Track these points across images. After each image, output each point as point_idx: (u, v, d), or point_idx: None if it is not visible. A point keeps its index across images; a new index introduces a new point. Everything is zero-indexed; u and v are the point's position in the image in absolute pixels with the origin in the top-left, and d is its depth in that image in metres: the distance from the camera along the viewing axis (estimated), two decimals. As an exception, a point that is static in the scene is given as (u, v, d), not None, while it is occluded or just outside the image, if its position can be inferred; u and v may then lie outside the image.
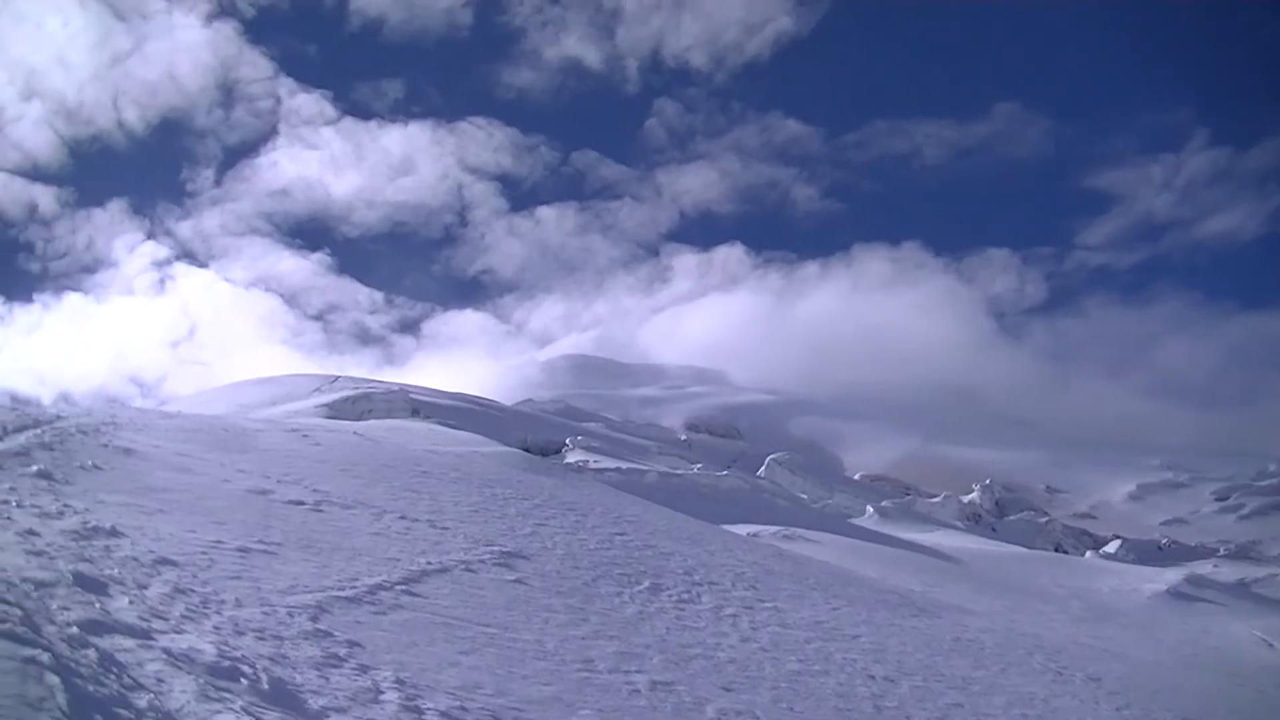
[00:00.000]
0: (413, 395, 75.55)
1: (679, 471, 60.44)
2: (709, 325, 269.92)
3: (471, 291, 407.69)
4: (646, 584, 19.14)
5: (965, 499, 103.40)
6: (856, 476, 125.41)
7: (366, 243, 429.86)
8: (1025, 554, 55.93)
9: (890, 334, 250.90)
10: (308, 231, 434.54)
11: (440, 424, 51.56)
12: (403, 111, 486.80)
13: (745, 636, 17.49)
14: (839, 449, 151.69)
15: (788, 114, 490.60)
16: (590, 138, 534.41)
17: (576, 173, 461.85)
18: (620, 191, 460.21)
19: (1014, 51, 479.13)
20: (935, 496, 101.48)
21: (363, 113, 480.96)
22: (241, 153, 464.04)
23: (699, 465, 72.61)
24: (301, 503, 18.18)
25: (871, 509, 71.18)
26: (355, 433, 32.04)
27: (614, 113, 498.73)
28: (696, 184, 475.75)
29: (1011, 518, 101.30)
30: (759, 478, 76.15)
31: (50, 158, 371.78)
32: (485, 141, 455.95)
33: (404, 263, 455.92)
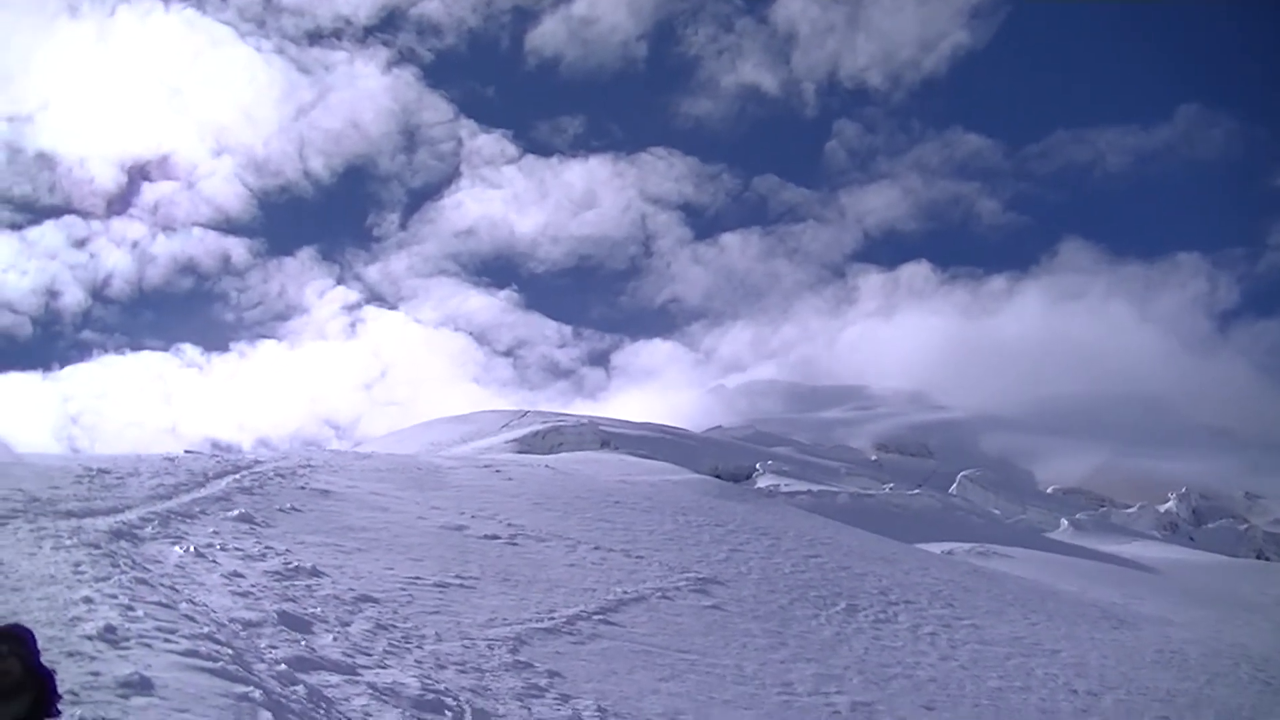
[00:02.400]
0: (602, 427, 76.20)
1: (870, 492, 60.10)
2: (899, 344, 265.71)
3: (659, 321, 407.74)
4: (843, 605, 18.97)
5: (1161, 509, 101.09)
6: (1049, 490, 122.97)
7: (552, 278, 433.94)
8: (1227, 562, 54.29)
9: (1078, 345, 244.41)
10: (494, 269, 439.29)
11: (630, 454, 51.89)
12: (583, 146, 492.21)
13: (944, 654, 17.22)
14: (1030, 463, 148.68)
15: (968, 128, 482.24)
16: (771, 162, 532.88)
17: (759, 198, 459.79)
18: (803, 214, 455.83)
19: (1192, 52, 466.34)
20: (1130, 507, 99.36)
21: (543, 150, 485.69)
22: (425, 195, 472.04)
23: (890, 485, 71.98)
24: (496, 537, 18.39)
25: (1066, 522, 69.77)
26: (546, 466, 32.36)
27: (793, 136, 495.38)
28: (879, 203, 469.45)
29: (1210, 526, 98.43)
30: (951, 495, 75.26)
31: (241, 210, 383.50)
32: (666, 172, 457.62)
33: (590, 295, 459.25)
